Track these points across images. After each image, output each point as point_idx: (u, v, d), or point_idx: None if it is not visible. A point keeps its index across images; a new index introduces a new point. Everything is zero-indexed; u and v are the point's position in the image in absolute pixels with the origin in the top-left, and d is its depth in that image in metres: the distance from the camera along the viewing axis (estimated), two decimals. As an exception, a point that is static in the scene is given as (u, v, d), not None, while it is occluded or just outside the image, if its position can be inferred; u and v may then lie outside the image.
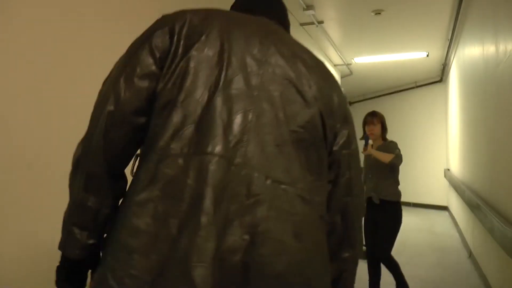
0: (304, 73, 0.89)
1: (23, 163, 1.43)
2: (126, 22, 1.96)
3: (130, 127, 0.83)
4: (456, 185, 5.56)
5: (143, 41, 0.88)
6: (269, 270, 0.74)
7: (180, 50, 0.84)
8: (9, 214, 1.38)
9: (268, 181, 0.77)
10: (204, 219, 0.73)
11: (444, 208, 8.00)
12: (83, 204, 0.88)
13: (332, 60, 7.12)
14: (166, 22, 0.91)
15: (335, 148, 0.90)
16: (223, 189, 0.75)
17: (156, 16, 0.94)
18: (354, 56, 6.79)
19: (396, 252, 4.62)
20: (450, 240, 5.52)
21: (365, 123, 3.39)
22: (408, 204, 8.52)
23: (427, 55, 6.61)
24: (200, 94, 0.80)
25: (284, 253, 0.76)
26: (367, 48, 6.36)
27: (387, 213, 3.34)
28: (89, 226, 0.87)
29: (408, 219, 7.20)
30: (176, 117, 0.79)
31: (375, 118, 3.34)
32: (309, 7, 4.47)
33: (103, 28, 1.80)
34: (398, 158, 3.18)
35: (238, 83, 0.82)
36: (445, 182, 7.63)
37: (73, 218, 0.91)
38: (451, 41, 5.65)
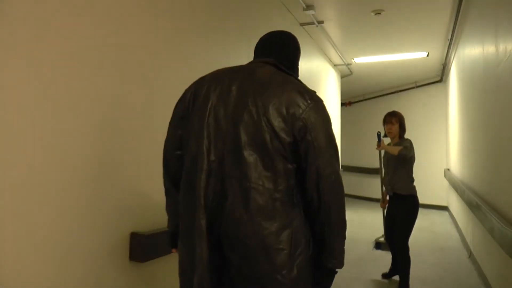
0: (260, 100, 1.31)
1: (23, 163, 1.43)
2: (127, 21, 1.96)
3: (174, 160, 1.49)
4: (456, 185, 5.56)
5: (173, 110, 1.51)
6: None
7: (189, 111, 1.42)
8: (9, 215, 1.38)
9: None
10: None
11: (444, 208, 8.00)
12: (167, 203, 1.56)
13: (332, 60, 7.12)
14: (184, 93, 1.49)
15: (301, 147, 1.29)
16: None
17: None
18: (354, 56, 6.79)
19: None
20: (450, 240, 5.52)
21: (384, 121, 3.61)
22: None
23: (427, 55, 6.61)
24: (194, 138, 1.35)
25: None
26: (367, 48, 6.36)
27: (400, 206, 3.55)
28: (170, 213, 1.56)
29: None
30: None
31: (393, 118, 3.54)
32: (309, 7, 4.47)
33: (103, 28, 1.80)
34: (406, 150, 3.33)
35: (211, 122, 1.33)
36: (445, 182, 7.62)
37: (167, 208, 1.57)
38: (451, 41, 5.65)
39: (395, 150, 3.34)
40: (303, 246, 1.30)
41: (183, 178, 1.38)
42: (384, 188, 3.74)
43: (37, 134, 1.49)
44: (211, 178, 1.28)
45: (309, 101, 1.31)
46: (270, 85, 1.32)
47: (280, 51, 1.50)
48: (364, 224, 6.52)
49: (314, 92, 1.40)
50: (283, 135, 1.26)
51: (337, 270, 1.39)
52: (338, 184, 1.34)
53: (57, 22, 1.57)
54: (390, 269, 3.91)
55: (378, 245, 4.17)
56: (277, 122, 1.26)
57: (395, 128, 3.50)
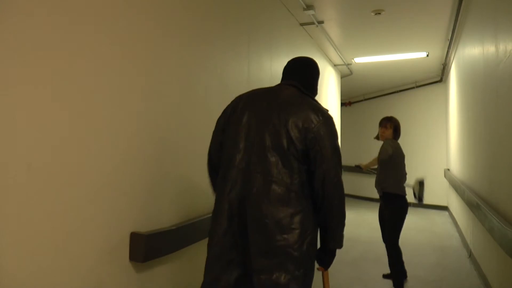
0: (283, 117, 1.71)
1: (23, 164, 1.43)
2: (126, 21, 1.96)
3: (216, 157, 1.88)
4: (456, 185, 5.56)
5: (216, 121, 1.94)
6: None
7: (229, 122, 1.83)
8: (9, 215, 1.38)
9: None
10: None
11: (444, 208, 8.00)
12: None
13: (332, 60, 7.13)
14: (226, 108, 1.90)
15: (311, 154, 1.65)
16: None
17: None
18: (354, 56, 6.80)
19: (396, 252, 4.61)
20: (450, 240, 5.52)
21: (380, 125, 3.87)
22: (408, 204, 8.52)
23: (427, 55, 6.61)
24: (231, 143, 1.76)
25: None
26: (367, 48, 6.36)
27: (387, 204, 3.70)
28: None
29: (408, 219, 7.20)
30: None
31: (388, 123, 3.81)
32: (309, 7, 4.47)
33: (103, 28, 1.80)
34: (382, 153, 3.63)
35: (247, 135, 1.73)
36: (445, 182, 7.63)
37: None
38: (451, 41, 5.65)
39: (375, 161, 3.85)
40: (311, 229, 1.66)
41: (220, 173, 1.76)
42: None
43: (36, 134, 1.49)
44: (240, 173, 1.67)
45: (320, 118, 1.67)
46: (291, 104, 1.70)
47: (302, 75, 1.88)
48: (364, 224, 6.52)
49: (327, 110, 1.76)
50: (297, 143, 1.63)
51: (336, 250, 1.77)
52: (339, 185, 1.69)
53: (57, 23, 1.57)
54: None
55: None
56: (293, 133, 1.63)
57: (388, 132, 3.77)
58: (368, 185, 8.82)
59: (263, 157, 1.64)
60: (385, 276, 3.93)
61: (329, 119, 1.71)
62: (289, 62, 1.96)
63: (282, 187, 1.61)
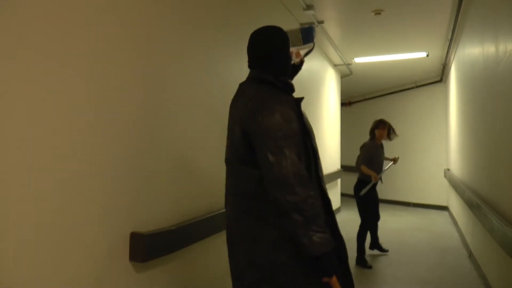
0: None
1: (23, 164, 1.43)
2: (126, 21, 1.96)
3: None
4: (456, 185, 5.56)
5: None
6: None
7: None
8: (9, 215, 1.38)
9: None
10: None
11: (444, 208, 8.00)
12: None
13: (332, 60, 7.12)
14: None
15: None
16: None
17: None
18: (354, 56, 6.79)
19: (396, 252, 4.64)
20: (450, 240, 5.52)
21: (377, 127, 4.55)
22: (408, 204, 8.52)
23: (427, 55, 6.61)
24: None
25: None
26: (367, 48, 6.36)
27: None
28: None
29: (408, 219, 7.23)
30: None
31: (386, 125, 4.54)
32: (309, 7, 4.47)
33: (104, 29, 1.80)
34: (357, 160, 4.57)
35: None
36: (445, 182, 7.62)
37: None
38: (451, 41, 5.65)
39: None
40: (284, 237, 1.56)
41: None
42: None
43: (36, 134, 1.49)
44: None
45: (251, 96, 1.58)
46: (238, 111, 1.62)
47: (259, 59, 1.68)
48: (356, 223, 6.50)
49: (269, 91, 1.59)
50: (238, 143, 1.61)
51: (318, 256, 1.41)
52: (283, 176, 1.47)
53: (57, 22, 1.57)
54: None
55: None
56: (237, 135, 1.60)
57: (385, 132, 4.52)
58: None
59: (230, 172, 1.70)
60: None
61: (261, 105, 1.50)
62: (249, 39, 1.75)
63: (244, 197, 1.60)
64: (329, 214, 1.60)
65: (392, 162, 4.88)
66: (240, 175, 1.59)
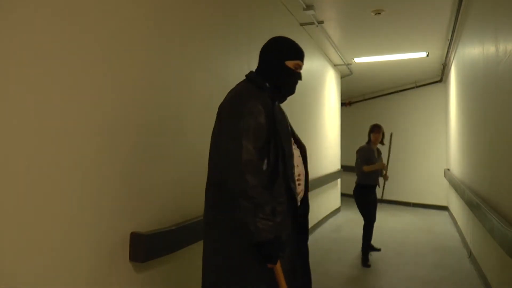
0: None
1: (23, 164, 1.43)
2: (125, 21, 1.96)
3: None
4: (456, 185, 5.55)
5: None
6: None
7: None
8: (9, 215, 1.38)
9: None
10: None
11: (444, 208, 7.99)
12: None
13: (332, 60, 7.12)
14: None
15: None
16: None
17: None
18: (354, 56, 6.79)
19: (396, 252, 4.65)
20: (450, 240, 5.52)
21: (372, 131, 4.62)
22: (408, 204, 8.52)
23: (427, 55, 6.60)
24: None
25: None
26: (367, 48, 6.36)
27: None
28: None
29: (408, 219, 7.23)
30: None
31: (380, 129, 4.62)
32: (309, 7, 4.47)
33: (104, 29, 1.80)
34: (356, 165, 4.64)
35: None
36: (445, 182, 7.62)
37: None
38: (451, 41, 5.65)
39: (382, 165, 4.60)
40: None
41: None
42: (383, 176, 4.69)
43: (36, 134, 1.49)
44: None
45: (228, 95, 1.70)
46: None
47: (259, 61, 1.80)
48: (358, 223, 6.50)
49: (247, 87, 1.68)
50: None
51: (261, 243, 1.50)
52: (233, 166, 1.54)
53: (57, 22, 1.57)
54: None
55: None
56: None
57: (380, 136, 4.61)
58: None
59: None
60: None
61: (235, 95, 1.64)
62: None
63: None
64: (294, 216, 1.66)
65: (383, 179, 4.73)
66: (209, 166, 1.68)
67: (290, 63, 1.74)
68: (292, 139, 1.74)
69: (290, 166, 1.64)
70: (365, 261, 4.29)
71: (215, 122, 1.71)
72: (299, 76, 1.78)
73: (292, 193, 1.64)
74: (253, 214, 1.46)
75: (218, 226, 1.61)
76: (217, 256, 1.62)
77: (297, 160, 1.72)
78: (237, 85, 1.75)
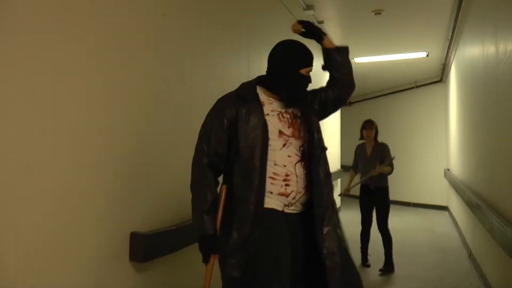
0: None
1: (23, 164, 1.43)
2: (127, 22, 1.96)
3: None
4: (456, 185, 5.55)
5: None
6: None
7: None
8: (9, 215, 1.38)
9: None
10: None
11: (444, 208, 7.99)
12: None
13: (332, 60, 7.11)
14: None
15: None
16: None
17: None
18: (354, 56, 6.79)
19: (396, 252, 4.64)
20: (450, 240, 5.52)
21: (364, 128, 4.35)
22: (408, 204, 8.51)
23: (427, 55, 6.60)
24: None
25: None
26: (367, 48, 6.36)
27: (382, 196, 4.28)
28: None
29: (408, 219, 7.22)
30: None
31: (372, 125, 4.31)
32: (309, 7, 4.47)
33: (105, 28, 1.80)
34: (385, 155, 4.25)
35: None
36: (445, 182, 7.62)
37: None
38: (451, 41, 5.65)
39: (387, 169, 4.18)
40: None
41: None
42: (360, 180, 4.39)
43: (36, 134, 1.49)
44: None
45: None
46: None
47: (271, 66, 1.81)
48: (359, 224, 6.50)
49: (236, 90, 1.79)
50: None
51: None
52: (193, 163, 1.75)
53: (58, 22, 1.57)
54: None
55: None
56: None
57: (373, 133, 4.28)
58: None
59: None
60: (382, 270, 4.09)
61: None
62: None
63: None
64: (286, 222, 1.66)
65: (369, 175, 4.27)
66: None
67: (304, 71, 1.77)
68: (284, 138, 1.70)
69: (265, 168, 1.64)
70: (363, 261, 4.29)
71: None
72: (310, 80, 1.82)
73: (253, 193, 1.61)
74: (194, 209, 1.66)
75: None
76: None
77: (285, 160, 1.68)
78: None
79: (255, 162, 1.63)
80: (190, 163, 2.50)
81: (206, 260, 1.62)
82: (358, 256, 4.46)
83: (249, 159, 1.63)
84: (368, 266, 4.26)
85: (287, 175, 1.67)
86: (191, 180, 1.68)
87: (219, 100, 1.77)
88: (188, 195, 2.44)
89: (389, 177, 4.27)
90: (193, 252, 2.42)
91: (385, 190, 4.23)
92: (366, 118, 4.50)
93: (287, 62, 1.75)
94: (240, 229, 1.58)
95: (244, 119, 1.67)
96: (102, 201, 1.78)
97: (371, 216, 4.32)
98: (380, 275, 3.99)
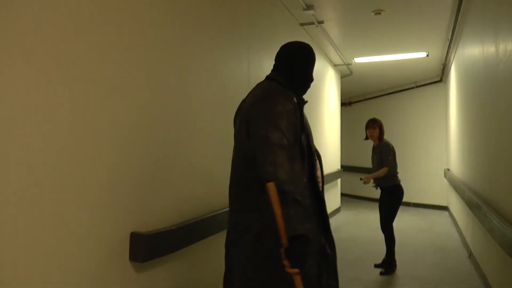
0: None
1: (23, 164, 1.43)
2: (128, 24, 1.96)
3: None
4: (456, 185, 5.55)
5: None
6: None
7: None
8: (9, 215, 1.38)
9: None
10: None
11: (444, 208, 7.99)
12: None
13: (332, 60, 7.12)
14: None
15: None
16: None
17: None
18: (354, 56, 6.79)
19: (396, 252, 4.64)
20: (450, 240, 5.52)
21: (367, 127, 4.30)
22: (408, 204, 8.51)
23: (427, 55, 6.60)
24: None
25: None
26: (367, 48, 6.36)
27: (390, 195, 4.28)
28: None
29: (408, 219, 7.22)
30: None
31: (375, 124, 4.27)
32: (309, 7, 4.47)
33: (106, 31, 1.80)
34: (388, 164, 4.17)
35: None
36: (445, 182, 7.62)
37: None
38: (451, 41, 5.65)
39: (382, 172, 4.14)
40: (253, 223, 1.63)
41: None
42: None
43: (37, 134, 1.49)
44: (230, 189, 1.77)
45: (258, 94, 1.66)
46: (249, 98, 1.72)
47: (279, 62, 1.81)
48: (364, 224, 6.51)
49: (282, 92, 1.65)
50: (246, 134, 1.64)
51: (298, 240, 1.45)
52: (271, 166, 1.51)
53: (58, 22, 1.57)
54: (384, 260, 4.15)
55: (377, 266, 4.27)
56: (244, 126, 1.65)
57: (376, 132, 4.23)
58: (367, 185, 8.82)
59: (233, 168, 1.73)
60: (376, 265, 4.13)
61: (267, 96, 1.61)
62: (280, 51, 1.88)
63: (243, 190, 1.66)
64: (321, 214, 1.68)
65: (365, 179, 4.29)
66: (234, 169, 1.72)
67: (313, 72, 1.86)
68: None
69: (315, 165, 1.71)
70: (381, 266, 4.14)
71: (241, 124, 1.68)
72: (313, 79, 1.90)
73: (318, 194, 1.69)
74: (288, 210, 1.45)
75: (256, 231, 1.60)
76: (249, 265, 1.60)
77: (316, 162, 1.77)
78: (262, 84, 1.75)
79: (316, 160, 1.73)
80: (190, 163, 2.49)
81: (303, 265, 1.45)
82: (355, 255, 4.45)
83: (316, 156, 1.75)
84: (377, 267, 4.16)
85: (318, 176, 1.76)
86: (280, 187, 1.45)
87: (279, 91, 1.65)
88: (188, 195, 2.46)
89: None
90: (193, 252, 2.43)
91: (387, 190, 4.20)
92: (366, 118, 4.48)
93: (312, 67, 1.83)
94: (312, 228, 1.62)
95: (304, 116, 1.74)
96: (102, 201, 1.78)
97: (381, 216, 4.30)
98: (381, 274, 3.98)
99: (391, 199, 4.18)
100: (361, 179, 4.28)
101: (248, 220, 1.61)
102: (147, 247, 1.95)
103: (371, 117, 4.38)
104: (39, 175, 1.49)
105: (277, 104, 1.56)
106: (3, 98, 1.36)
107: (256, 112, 1.59)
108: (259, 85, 1.78)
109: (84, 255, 1.69)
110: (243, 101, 1.81)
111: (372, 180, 4.23)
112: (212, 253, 2.61)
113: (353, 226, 6.09)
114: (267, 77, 1.80)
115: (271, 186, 1.45)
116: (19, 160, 1.42)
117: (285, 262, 1.43)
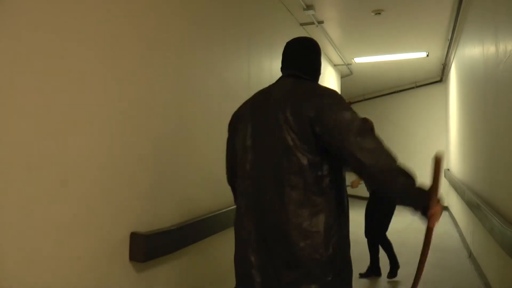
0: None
1: (23, 164, 1.43)
2: (128, 23, 1.96)
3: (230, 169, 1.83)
4: (456, 185, 5.56)
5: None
6: None
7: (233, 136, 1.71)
8: (9, 215, 1.38)
9: None
10: None
11: (444, 208, 8.00)
12: None
13: (332, 60, 7.12)
14: (228, 125, 1.76)
15: (325, 137, 1.56)
16: None
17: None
18: (354, 56, 6.79)
19: (396, 252, 4.64)
20: (450, 240, 5.52)
21: None
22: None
23: (427, 55, 6.61)
24: (239, 155, 1.66)
25: None
26: (367, 48, 6.36)
27: (380, 200, 4.04)
28: None
29: (408, 219, 7.20)
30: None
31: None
32: (309, 7, 4.47)
33: (105, 31, 1.80)
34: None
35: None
36: (445, 182, 7.63)
37: None
38: (451, 41, 5.65)
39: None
40: (335, 228, 1.54)
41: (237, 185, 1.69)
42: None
43: (36, 134, 1.49)
44: (251, 185, 1.57)
45: (319, 94, 1.58)
46: (287, 97, 1.58)
47: (301, 60, 1.75)
48: (363, 224, 6.49)
49: (330, 89, 1.67)
50: (303, 134, 1.50)
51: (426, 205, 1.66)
52: (375, 150, 1.62)
53: (58, 22, 1.57)
54: (369, 268, 4.04)
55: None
56: (296, 125, 1.50)
57: None
58: (365, 185, 8.81)
59: (272, 163, 1.52)
60: (362, 275, 3.99)
61: (332, 94, 1.62)
62: (286, 46, 1.81)
63: (296, 188, 1.47)
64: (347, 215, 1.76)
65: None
66: (297, 165, 1.50)
67: None
68: None
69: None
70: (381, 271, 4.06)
71: (299, 122, 1.51)
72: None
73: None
74: (406, 184, 1.71)
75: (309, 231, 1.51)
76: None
77: None
78: (312, 84, 1.66)
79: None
80: (190, 163, 2.49)
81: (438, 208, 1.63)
82: (355, 256, 4.44)
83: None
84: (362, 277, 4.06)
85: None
86: (390, 168, 1.66)
87: (332, 91, 1.67)
88: (188, 195, 2.45)
89: None
90: (193, 252, 2.43)
91: (377, 195, 3.99)
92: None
93: (319, 58, 1.82)
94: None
95: None
96: (102, 201, 1.78)
97: (368, 220, 4.14)
98: (388, 278, 3.92)
99: (385, 205, 3.94)
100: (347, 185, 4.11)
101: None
102: (147, 247, 1.95)
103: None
104: (39, 176, 1.48)
105: (344, 104, 1.64)
106: (3, 98, 1.36)
107: (335, 113, 1.55)
108: (287, 83, 1.65)
109: (84, 255, 1.69)
110: (267, 97, 1.65)
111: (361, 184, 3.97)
112: (212, 253, 2.61)
113: (352, 226, 6.08)
114: (293, 75, 1.69)
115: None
116: (18, 160, 1.41)
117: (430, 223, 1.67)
